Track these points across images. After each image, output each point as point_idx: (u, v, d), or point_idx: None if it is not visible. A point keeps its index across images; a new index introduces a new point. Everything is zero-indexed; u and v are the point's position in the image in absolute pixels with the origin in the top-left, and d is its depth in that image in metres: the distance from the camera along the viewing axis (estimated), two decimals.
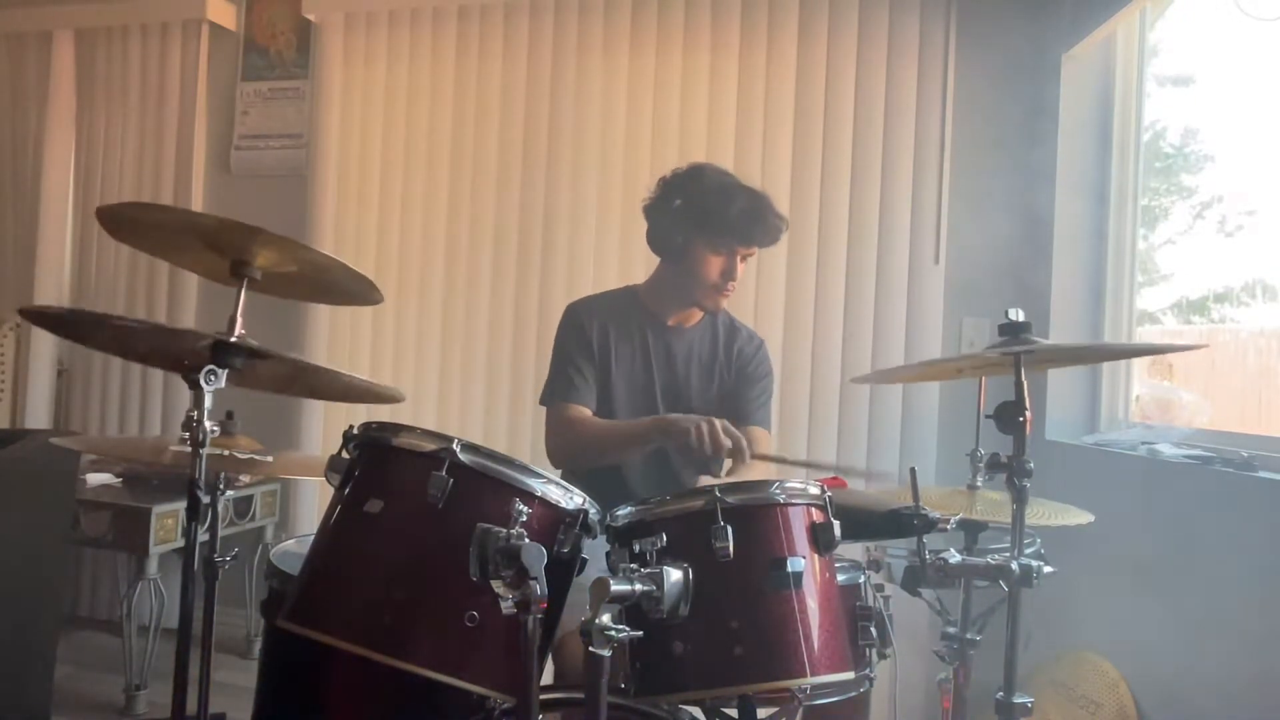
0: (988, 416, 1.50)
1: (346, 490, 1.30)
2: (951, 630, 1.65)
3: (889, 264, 2.98)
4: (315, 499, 3.38)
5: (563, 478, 1.31)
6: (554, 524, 1.27)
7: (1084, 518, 1.71)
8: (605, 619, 1.07)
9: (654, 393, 2.10)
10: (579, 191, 3.19)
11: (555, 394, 2.10)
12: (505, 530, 1.14)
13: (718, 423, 1.79)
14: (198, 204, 3.61)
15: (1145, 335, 2.83)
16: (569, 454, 2.07)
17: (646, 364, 2.12)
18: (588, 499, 1.31)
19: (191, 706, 1.61)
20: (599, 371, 2.11)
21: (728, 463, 1.87)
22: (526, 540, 1.13)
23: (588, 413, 2.07)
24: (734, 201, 2.01)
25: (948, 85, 2.97)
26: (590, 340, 2.11)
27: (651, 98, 3.17)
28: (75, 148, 3.78)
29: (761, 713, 1.35)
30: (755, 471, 1.91)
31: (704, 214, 2.02)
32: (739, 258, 2.05)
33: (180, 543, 2.84)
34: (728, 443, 1.77)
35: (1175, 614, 2.08)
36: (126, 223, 1.57)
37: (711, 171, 2.11)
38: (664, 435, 1.89)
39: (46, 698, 2.45)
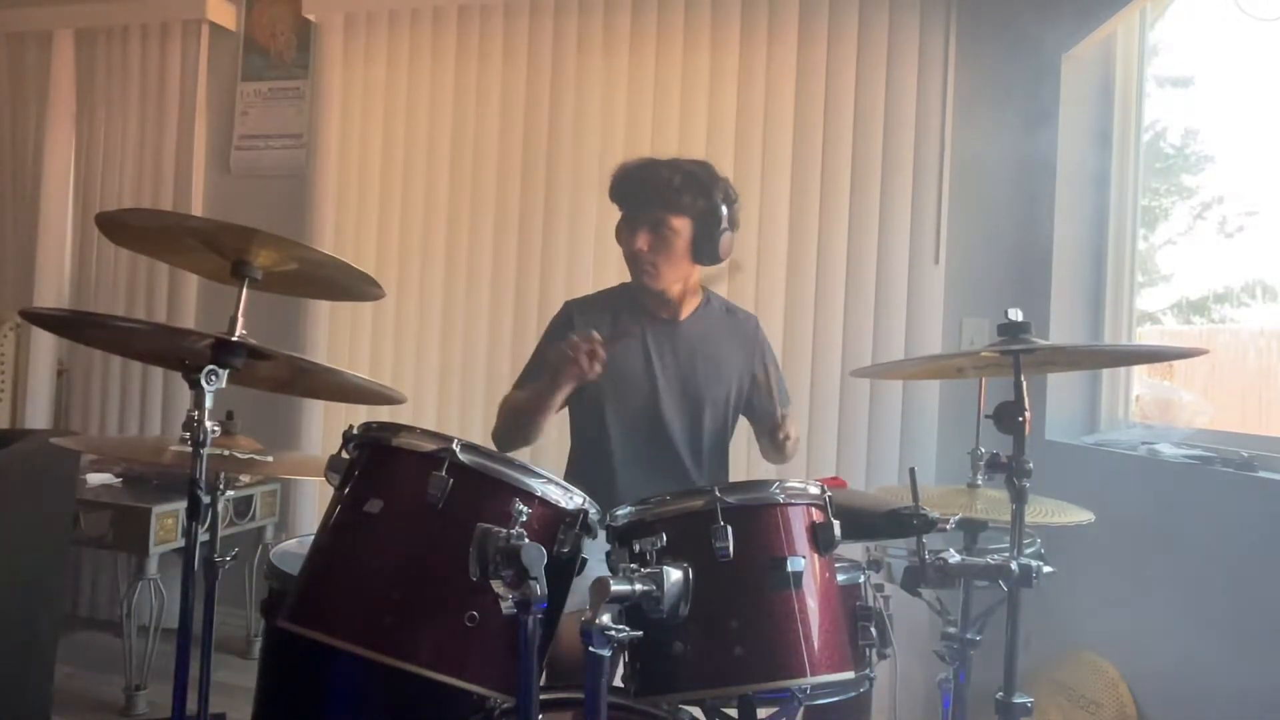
0: (987, 416, 1.50)
1: (346, 490, 1.30)
2: (951, 630, 1.64)
3: (889, 264, 2.98)
4: (315, 499, 3.38)
5: (564, 478, 1.31)
6: (554, 524, 1.27)
7: (1084, 516, 1.71)
8: (605, 619, 1.07)
9: (656, 390, 2.10)
10: (579, 191, 3.19)
11: (514, 385, 2.15)
12: (505, 530, 1.14)
13: (574, 338, 1.87)
14: (197, 204, 3.61)
15: (1145, 336, 2.83)
16: (498, 434, 2.11)
17: (646, 361, 2.12)
18: (588, 499, 1.31)
19: (191, 706, 1.61)
20: None
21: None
22: (526, 540, 1.13)
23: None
24: (634, 177, 2.10)
25: (948, 85, 2.97)
26: None
27: (651, 98, 3.17)
28: (75, 148, 3.78)
29: (761, 713, 1.35)
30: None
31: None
32: (642, 227, 2.07)
33: (180, 543, 2.84)
34: (585, 349, 1.84)
35: (1175, 614, 2.09)
36: (126, 228, 1.57)
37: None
38: (556, 380, 1.94)
39: (46, 698, 2.44)
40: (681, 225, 2.05)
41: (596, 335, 1.85)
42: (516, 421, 2.08)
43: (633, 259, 2.10)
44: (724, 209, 2.06)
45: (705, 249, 2.07)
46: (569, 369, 1.87)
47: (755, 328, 2.22)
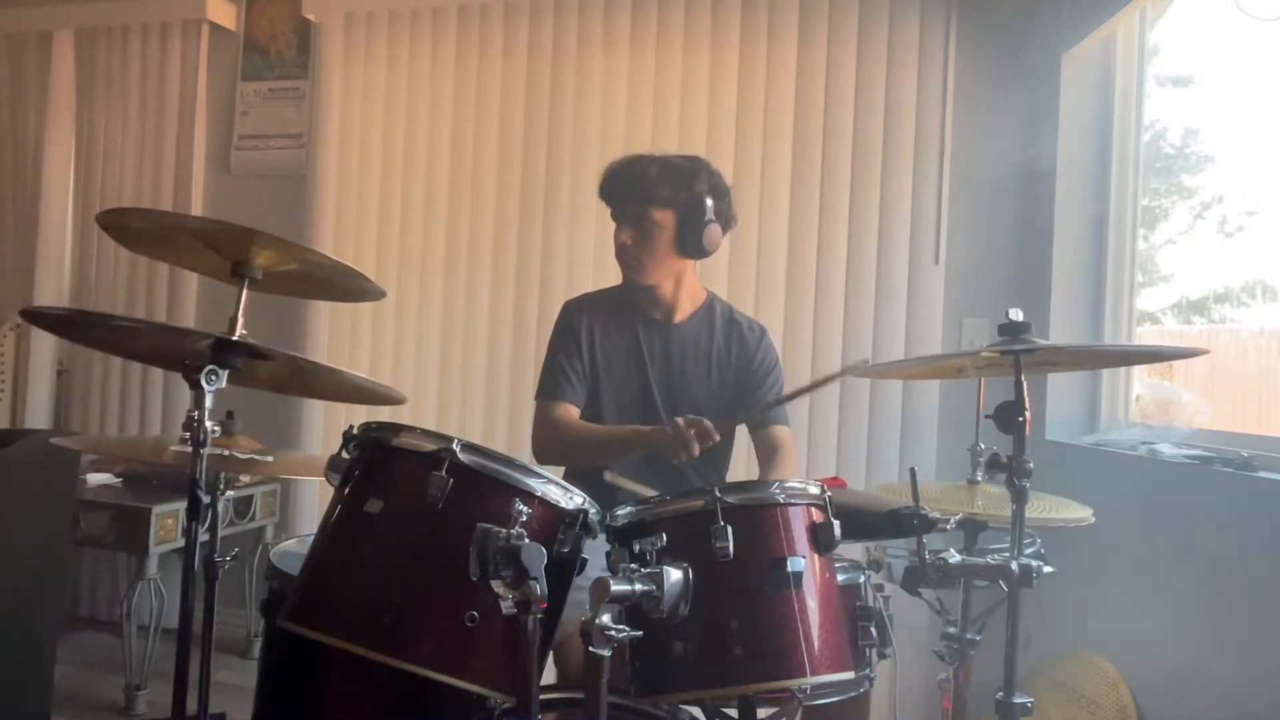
0: (988, 416, 1.50)
1: (346, 490, 1.30)
2: (951, 630, 1.64)
3: (889, 264, 2.98)
4: (315, 499, 3.38)
5: (564, 477, 1.31)
6: (554, 524, 1.27)
7: (1084, 512, 1.71)
8: (605, 619, 1.07)
9: (650, 389, 2.09)
10: (579, 191, 3.19)
11: (543, 392, 2.12)
12: (505, 530, 1.15)
13: (679, 421, 1.80)
14: (197, 204, 3.61)
15: (1145, 336, 2.83)
16: (549, 452, 2.07)
17: (639, 361, 2.11)
18: (588, 499, 1.31)
19: (191, 706, 1.61)
20: (589, 369, 2.11)
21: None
22: (526, 540, 1.13)
23: (574, 412, 2.08)
24: (617, 173, 2.11)
25: (948, 85, 2.97)
26: (580, 337, 2.12)
27: (651, 97, 3.16)
28: (75, 148, 3.78)
29: (761, 713, 1.35)
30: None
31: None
32: (626, 222, 2.07)
33: (180, 543, 2.84)
34: (692, 438, 1.78)
35: (1175, 614, 2.09)
36: (127, 228, 1.57)
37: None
38: (640, 446, 1.93)
39: (46, 698, 2.44)
40: (664, 218, 2.03)
41: (708, 423, 1.80)
42: (581, 457, 2.07)
43: (619, 254, 2.10)
44: (709, 201, 2.03)
45: (690, 242, 2.04)
46: (672, 448, 1.81)
47: (760, 340, 2.16)
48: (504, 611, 1.14)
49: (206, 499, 1.48)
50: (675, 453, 1.80)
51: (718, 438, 1.80)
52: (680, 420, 1.80)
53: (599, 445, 2.03)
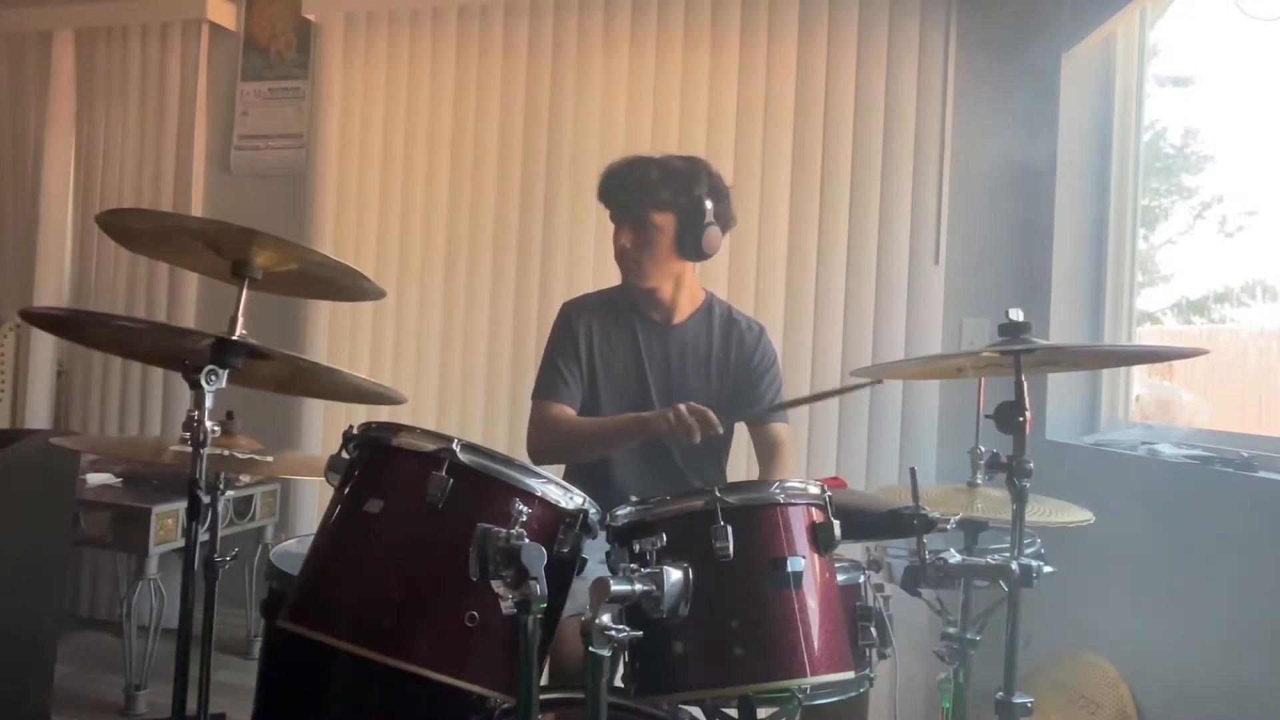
0: (988, 416, 1.50)
1: (346, 490, 1.30)
2: (951, 630, 1.64)
3: (889, 264, 2.98)
4: (315, 499, 3.38)
5: (564, 477, 1.31)
6: (554, 524, 1.27)
7: (1084, 515, 1.71)
8: (605, 619, 1.07)
9: (648, 391, 2.09)
10: (579, 191, 3.19)
11: (539, 392, 2.12)
12: (505, 530, 1.15)
13: (681, 408, 1.81)
14: (197, 204, 3.61)
15: (1145, 336, 2.83)
16: (544, 451, 2.07)
17: (638, 362, 2.11)
18: (588, 499, 1.31)
19: (191, 706, 1.61)
20: (586, 371, 2.11)
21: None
22: (526, 540, 1.13)
23: (570, 412, 2.08)
24: (617, 176, 2.10)
25: (948, 85, 2.97)
26: (578, 339, 2.12)
27: (651, 97, 3.16)
28: (75, 148, 3.78)
29: (762, 713, 1.35)
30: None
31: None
32: (626, 226, 2.08)
33: (180, 543, 2.84)
34: (695, 424, 1.79)
35: (1175, 614, 2.09)
36: (127, 228, 1.57)
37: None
38: (641, 433, 1.93)
39: (46, 698, 2.45)
40: (664, 221, 2.04)
41: (711, 414, 1.80)
42: (576, 452, 2.07)
43: (619, 257, 2.11)
44: (708, 204, 2.03)
45: (689, 245, 2.04)
46: (674, 433, 1.82)
47: (758, 338, 2.16)
48: (504, 611, 1.14)
49: (206, 499, 1.48)
50: (676, 439, 1.83)
51: (720, 430, 1.81)
52: (683, 407, 1.81)
53: (597, 436, 2.03)
